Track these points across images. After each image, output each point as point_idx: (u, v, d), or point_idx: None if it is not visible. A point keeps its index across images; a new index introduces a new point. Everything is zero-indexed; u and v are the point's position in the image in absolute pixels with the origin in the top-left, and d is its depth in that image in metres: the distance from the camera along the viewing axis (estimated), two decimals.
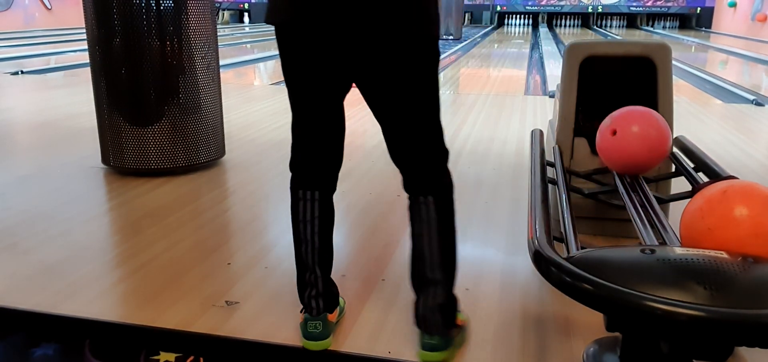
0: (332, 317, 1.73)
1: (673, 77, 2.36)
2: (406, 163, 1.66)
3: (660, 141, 1.99)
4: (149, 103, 3.14)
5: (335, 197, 3.03)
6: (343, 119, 1.67)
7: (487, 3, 21.56)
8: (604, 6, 20.94)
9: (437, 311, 1.63)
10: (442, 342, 1.62)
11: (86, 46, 3.23)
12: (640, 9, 20.85)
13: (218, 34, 3.49)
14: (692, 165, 2.10)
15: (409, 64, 1.51)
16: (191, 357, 1.71)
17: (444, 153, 1.66)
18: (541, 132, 2.58)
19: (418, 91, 1.55)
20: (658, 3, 20.59)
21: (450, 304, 1.67)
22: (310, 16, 1.46)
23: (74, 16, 15.39)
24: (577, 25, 21.20)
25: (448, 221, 1.67)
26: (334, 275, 2.11)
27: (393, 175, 3.41)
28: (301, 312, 1.74)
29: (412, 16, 1.46)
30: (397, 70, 1.51)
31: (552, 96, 5.67)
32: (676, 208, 1.48)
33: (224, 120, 3.53)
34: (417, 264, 1.67)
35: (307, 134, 1.67)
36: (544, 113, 5.16)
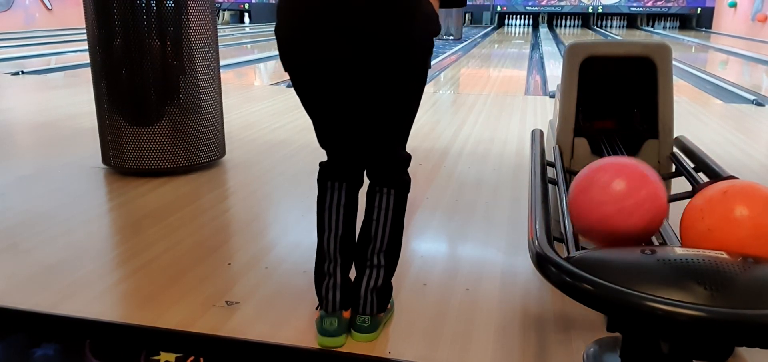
0: (347, 314, 1.75)
1: (674, 77, 2.36)
2: (377, 158, 1.75)
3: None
4: (150, 104, 3.15)
5: None
6: (363, 116, 1.69)
7: (487, 3, 21.56)
8: (604, 6, 20.94)
9: (375, 294, 1.73)
10: (373, 324, 1.74)
11: (87, 47, 3.23)
12: (641, 9, 20.85)
13: (218, 34, 3.49)
14: (692, 165, 2.09)
15: (398, 77, 1.61)
16: (191, 358, 1.71)
17: (407, 157, 1.79)
18: (542, 132, 2.57)
19: (404, 104, 1.69)
20: (659, 3, 20.59)
21: (386, 290, 1.78)
22: (321, 59, 1.58)
23: (75, 17, 15.38)
24: (578, 26, 21.20)
25: (400, 215, 1.78)
26: None
27: None
28: (316, 309, 1.77)
29: (417, 28, 1.57)
30: (387, 81, 1.61)
31: (552, 96, 5.67)
32: (676, 208, 1.48)
33: (224, 120, 3.54)
34: (364, 246, 1.76)
35: (326, 134, 1.76)
36: (544, 113, 5.16)
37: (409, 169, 1.80)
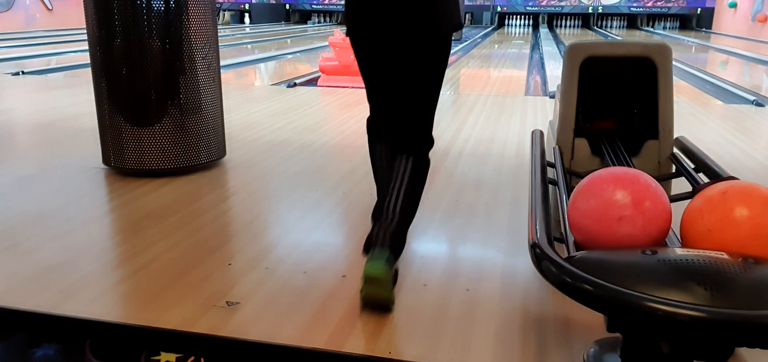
0: (395, 269, 1.95)
1: (674, 78, 2.36)
2: (403, 128, 2.10)
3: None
4: (150, 104, 3.15)
5: (335, 198, 3.06)
6: (403, 94, 2.07)
7: (487, 3, 21.57)
8: (604, 6, 20.95)
9: (388, 235, 1.92)
10: (384, 259, 1.84)
11: (87, 47, 3.23)
12: (641, 9, 20.85)
13: (219, 34, 3.49)
14: (692, 165, 2.09)
15: (422, 60, 2.02)
16: (192, 358, 1.71)
17: (431, 140, 2.15)
18: (542, 132, 2.58)
19: (426, 83, 2.07)
20: (659, 3, 20.59)
21: (399, 237, 1.98)
22: (368, 27, 2.04)
23: (75, 17, 15.39)
24: (578, 26, 21.20)
25: (419, 183, 2.12)
26: (335, 275, 2.13)
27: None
28: (363, 252, 1.98)
29: (447, 21, 2.01)
30: (414, 63, 2.02)
31: (552, 96, 5.67)
32: (677, 209, 1.48)
33: (225, 120, 3.54)
34: (382, 202, 2.03)
35: (375, 99, 2.21)
36: (544, 114, 5.16)
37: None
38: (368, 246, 1.93)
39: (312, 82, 7.27)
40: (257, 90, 7.16)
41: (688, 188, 1.90)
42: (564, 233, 1.62)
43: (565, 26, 21.20)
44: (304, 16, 23.04)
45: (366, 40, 2.07)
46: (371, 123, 2.25)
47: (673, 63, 2.36)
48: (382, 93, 2.14)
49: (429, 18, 1.95)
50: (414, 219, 2.11)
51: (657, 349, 1.27)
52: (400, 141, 2.10)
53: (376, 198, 2.23)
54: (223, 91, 3.50)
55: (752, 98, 6.22)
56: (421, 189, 2.12)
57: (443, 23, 2.00)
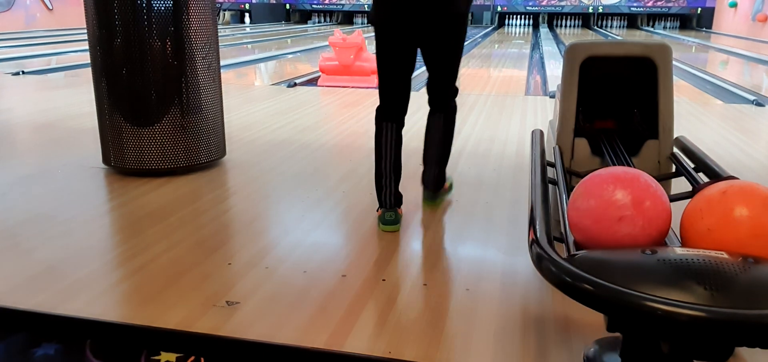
0: (400, 211, 2.60)
1: (674, 77, 2.36)
2: (437, 91, 2.67)
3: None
4: (150, 104, 3.15)
5: (335, 198, 3.06)
6: (409, 82, 2.59)
7: (487, 3, 21.56)
8: (604, 6, 20.94)
9: (433, 179, 2.76)
10: (434, 195, 2.81)
11: (87, 47, 3.23)
12: (641, 9, 20.85)
13: (219, 34, 3.50)
14: (692, 165, 2.09)
15: (450, 36, 2.53)
16: (192, 358, 1.71)
17: (456, 90, 2.72)
18: (542, 132, 2.57)
19: (454, 53, 2.60)
20: (659, 3, 20.58)
21: (441, 176, 2.79)
22: (394, 15, 2.46)
23: (75, 17, 15.38)
24: (578, 26, 21.19)
25: (449, 131, 2.76)
26: (335, 275, 2.13)
27: None
28: (377, 210, 2.59)
29: (452, 7, 2.46)
30: (450, 36, 2.53)
31: (552, 96, 5.67)
32: (677, 209, 1.48)
33: (225, 120, 3.54)
34: (427, 151, 2.75)
35: (388, 89, 2.57)
36: (544, 113, 5.17)
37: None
38: (389, 201, 2.55)
39: (312, 81, 7.27)
40: (257, 90, 7.16)
41: (688, 188, 1.90)
42: (564, 233, 1.62)
43: (566, 26, 21.19)
44: (305, 16, 23.04)
45: (396, 28, 2.46)
46: (382, 111, 2.58)
47: (674, 63, 2.36)
48: (401, 78, 2.56)
49: (451, 3, 2.45)
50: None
51: (657, 349, 1.27)
52: (435, 103, 2.70)
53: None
54: (223, 91, 3.50)
55: (752, 98, 6.22)
56: (452, 134, 2.78)
57: (461, 4, 2.50)
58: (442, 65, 2.60)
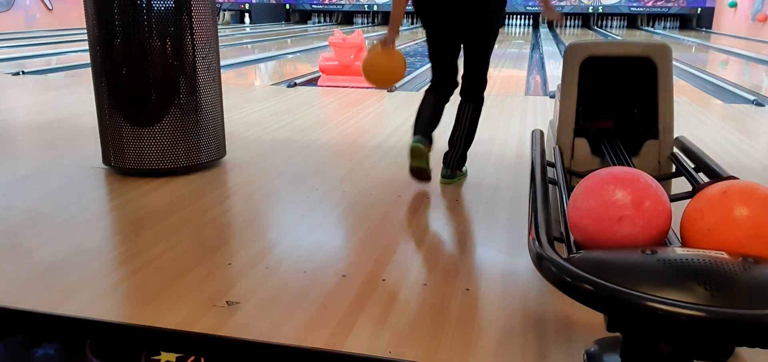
0: (428, 149, 3.02)
1: (674, 77, 2.36)
2: (468, 81, 3.10)
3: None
4: (150, 104, 3.15)
5: (336, 198, 3.06)
6: (456, 62, 3.12)
7: None
8: (604, 6, 20.93)
9: (455, 159, 3.15)
10: (452, 175, 3.17)
11: (87, 47, 3.23)
12: (641, 9, 20.84)
13: (219, 34, 3.50)
14: (692, 165, 2.09)
15: (490, 30, 3.01)
16: (192, 357, 1.71)
17: (485, 82, 3.13)
18: (542, 132, 2.57)
19: (488, 46, 3.06)
20: (659, 3, 20.58)
21: (462, 158, 3.19)
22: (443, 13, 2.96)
23: (75, 17, 15.39)
24: (578, 26, 21.19)
25: (476, 119, 3.15)
26: (335, 275, 2.13)
27: (393, 177, 3.43)
28: (412, 136, 3.00)
29: (495, 4, 2.96)
30: (483, 33, 3.00)
31: (552, 96, 5.67)
32: (677, 208, 1.48)
33: (225, 120, 3.54)
34: (454, 133, 3.14)
35: (436, 71, 3.13)
36: (544, 113, 5.17)
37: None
38: (420, 133, 3.00)
39: (312, 81, 7.27)
40: (257, 90, 7.16)
41: (688, 188, 1.90)
42: (564, 233, 1.62)
43: (565, 26, 21.18)
44: (304, 16, 23.03)
45: (441, 23, 2.98)
46: (430, 87, 3.16)
47: (673, 63, 2.36)
48: (447, 62, 3.09)
49: (487, 6, 2.93)
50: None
51: (657, 349, 1.27)
52: (466, 92, 3.12)
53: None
54: (223, 91, 3.50)
55: (752, 98, 6.22)
56: (477, 122, 3.17)
57: (496, 9, 2.97)
58: (473, 59, 3.05)
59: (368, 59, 3.13)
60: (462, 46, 3.02)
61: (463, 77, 3.09)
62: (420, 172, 2.99)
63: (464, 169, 3.26)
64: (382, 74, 3.16)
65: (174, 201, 2.90)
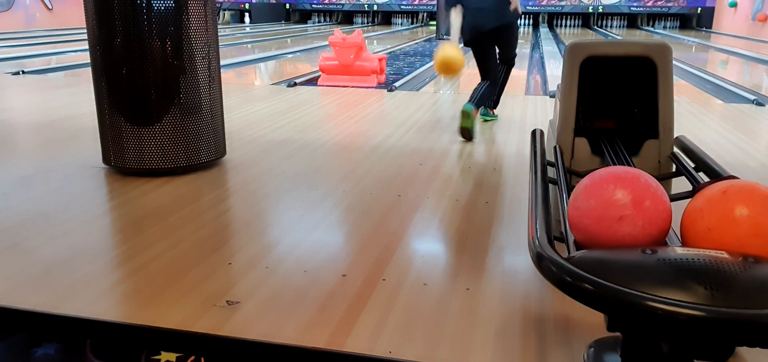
0: (476, 114, 4.13)
1: (674, 77, 2.36)
2: (502, 58, 4.70)
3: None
4: (150, 103, 3.15)
5: (336, 198, 3.07)
6: (490, 59, 4.59)
7: None
8: (604, 6, 20.93)
9: (479, 93, 4.29)
10: (470, 107, 4.07)
11: (87, 46, 3.23)
12: (641, 9, 20.84)
13: (219, 34, 3.49)
14: (693, 165, 2.09)
15: (510, 33, 4.64)
16: (192, 357, 1.71)
17: (514, 55, 4.78)
18: (542, 132, 2.57)
19: (509, 43, 4.69)
20: (659, 3, 20.58)
21: (486, 96, 4.38)
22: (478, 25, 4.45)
23: (75, 16, 15.40)
24: (578, 25, 21.18)
25: (507, 76, 4.79)
26: (335, 275, 2.13)
27: (393, 176, 3.43)
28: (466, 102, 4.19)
29: (510, 17, 4.46)
30: (507, 36, 4.61)
31: (552, 96, 5.67)
32: (677, 208, 1.48)
33: (225, 120, 3.54)
34: (488, 75, 4.51)
35: (481, 67, 4.58)
36: (544, 113, 5.17)
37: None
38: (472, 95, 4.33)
39: (312, 81, 7.27)
40: (257, 89, 7.16)
41: (689, 187, 1.90)
42: (564, 232, 1.62)
43: (566, 26, 21.18)
44: (304, 16, 23.03)
45: (475, 40, 4.51)
46: (481, 74, 4.62)
47: (674, 62, 2.36)
48: (486, 60, 4.58)
49: (507, 17, 4.43)
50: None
51: (657, 348, 1.27)
52: (502, 61, 4.70)
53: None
54: (223, 91, 3.50)
55: (752, 97, 6.22)
56: (507, 79, 4.82)
57: (512, 18, 4.48)
58: (503, 49, 4.68)
59: (449, 53, 4.32)
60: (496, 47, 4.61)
61: (499, 55, 4.65)
62: (466, 132, 4.03)
63: (496, 114, 4.85)
64: (455, 64, 4.33)
65: (174, 201, 2.90)
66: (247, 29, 18.63)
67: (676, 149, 2.32)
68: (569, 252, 1.45)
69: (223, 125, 3.49)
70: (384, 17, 22.31)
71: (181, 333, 1.77)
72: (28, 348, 1.78)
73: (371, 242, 2.47)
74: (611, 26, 21.00)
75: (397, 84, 6.93)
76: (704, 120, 4.99)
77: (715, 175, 1.86)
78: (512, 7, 4.36)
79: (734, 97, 6.55)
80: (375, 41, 14.10)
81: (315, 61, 8.34)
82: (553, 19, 21.35)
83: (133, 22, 3.05)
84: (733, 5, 17.61)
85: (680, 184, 2.13)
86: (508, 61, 4.75)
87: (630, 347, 1.39)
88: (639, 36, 17.95)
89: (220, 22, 19.83)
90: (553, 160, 2.28)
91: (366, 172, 3.40)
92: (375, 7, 22.12)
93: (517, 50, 4.79)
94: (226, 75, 4.64)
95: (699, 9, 20.06)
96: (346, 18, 22.55)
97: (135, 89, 3.13)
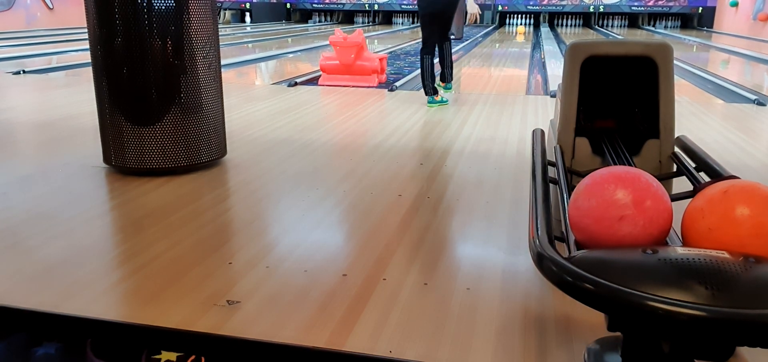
0: (437, 97, 5.46)
1: (675, 77, 2.36)
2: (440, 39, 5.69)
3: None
4: (151, 103, 3.15)
5: (336, 197, 3.07)
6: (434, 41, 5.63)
7: (488, 2, 21.55)
8: (605, 6, 20.92)
9: (444, 74, 5.78)
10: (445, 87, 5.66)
11: (88, 46, 3.23)
12: (642, 8, 20.83)
13: (219, 33, 3.49)
14: (693, 164, 2.09)
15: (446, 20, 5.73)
16: (192, 357, 1.71)
17: (450, 37, 5.88)
18: (543, 132, 2.57)
19: (449, 25, 5.80)
20: (660, 2, 20.57)
21: (445, 76, 5.77)
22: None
23: (76, 16, 15.40)
24: (579, 25, 21.18)
25: (450, 55, 5.81)
26: (335, 275, 2.13)
27: (393, 176, 3.43)
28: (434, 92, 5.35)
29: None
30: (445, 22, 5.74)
31: (553, 96, 5.67)
32: (678, 208, 1.48)
33: (225, 119, 3.54)
34: (441, 65, 5.77)
35: (427, 39, 5.55)
36: (545, 113, 5.16)
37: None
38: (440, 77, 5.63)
39: (313, 81, 7.26)
40: (258, 89, 7.16)
41: (689, 187, 1.90)
42: (565, 232, 1.62)
43: (567, 25, 21.18)
44: (305, 15, 23.02)
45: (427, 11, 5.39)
46: (424, 49, 5.47)
47: (674, 62, 2.35)
48: (430, 33, 5.45)
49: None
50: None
51: (658, 348, 1.27)
52: (441, 44, 5.59)
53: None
54: (223, 90, 3.50)
55: (753, 97, 6.21)
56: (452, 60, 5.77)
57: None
58: (438, 27, 5.52)
59: None
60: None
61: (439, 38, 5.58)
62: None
63: (443, 99, 5.57)
64: None
65: (174, 201, 2.90)
66: (248, 29, 18.63)
67: (677, 149, 2.32)
68: (570, 252, 1.45)
69: (223, 125, 3.49)
70: (385, 17, 22.30)
71: (181, 332, 1.77)
72: (29, 347, 1.78)
73: (371, 242, 2.47)
74: (612, 26, 20.99)
75: (397, 84, 6.93)
76: (705, 120, 4.99)
77: (716, 175, 1.85)
78: None
79: (735, 96, 6.54)
80: (376, 41, 14.10)
81: (316, 61, 8.34)
82: (554, 18, 21.35)
83: (134, 22, 3.05)
84: (734, 5, 17.59)
85: (681, 184, 2.13)
86: (447, 41, 5.81)
87: (630, 347, 1.39)
88: (640, 35, 17.94)
89: (220, 21, 19.84)
90: (553, 159, 2.28)
91: (366, 172, 3.40)
92: (376, 7, 22.11)
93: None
94: (226, 74, 4.64)
95: (700, 8, 20.06)
96: (347, 17, 22.54)
97: (136, 89, 3.13)
